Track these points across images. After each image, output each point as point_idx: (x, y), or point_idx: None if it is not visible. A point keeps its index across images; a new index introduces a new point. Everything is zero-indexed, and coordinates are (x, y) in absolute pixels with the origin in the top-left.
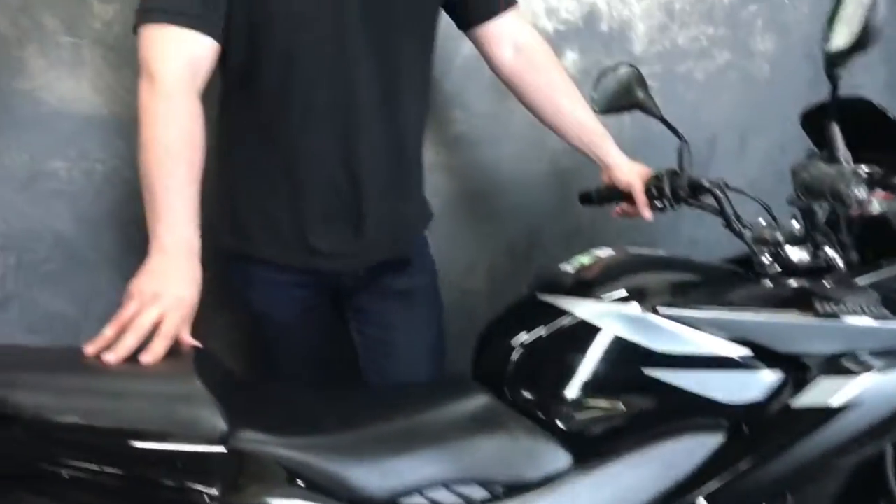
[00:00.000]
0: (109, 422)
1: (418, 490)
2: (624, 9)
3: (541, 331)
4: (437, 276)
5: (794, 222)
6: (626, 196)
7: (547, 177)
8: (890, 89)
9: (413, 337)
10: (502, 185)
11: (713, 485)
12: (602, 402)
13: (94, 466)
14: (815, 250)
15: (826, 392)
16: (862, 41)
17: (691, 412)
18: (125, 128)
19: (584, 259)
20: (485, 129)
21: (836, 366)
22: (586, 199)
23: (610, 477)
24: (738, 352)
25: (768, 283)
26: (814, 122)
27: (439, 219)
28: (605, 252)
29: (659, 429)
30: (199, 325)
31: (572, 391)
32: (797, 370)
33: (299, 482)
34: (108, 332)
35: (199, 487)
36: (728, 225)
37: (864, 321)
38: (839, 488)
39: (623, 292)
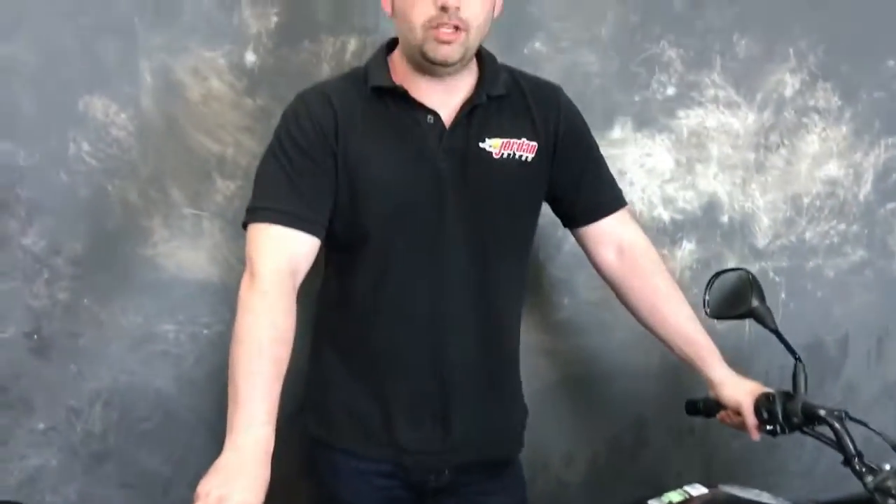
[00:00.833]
0: None
1: None
2: (746, 200)
3: None
4: (527, 496)
5: None
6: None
7: (658, 370)
8: None
9: None
10: (608, 375)
11: None
12: None
13: None
14: None
15: None
16: None
17: None
18: (232, 296)
19: (675, 497)
20: (592, 315)
21: None
22: (693, 409)
23: None
24: None
25: None
26: None
27: (539, 403)
28: (697, 490)
29: None
30: None
31: None
32: None
33: None
34: None
35: None
36: (847, 462)
37: None
38: None
39: None
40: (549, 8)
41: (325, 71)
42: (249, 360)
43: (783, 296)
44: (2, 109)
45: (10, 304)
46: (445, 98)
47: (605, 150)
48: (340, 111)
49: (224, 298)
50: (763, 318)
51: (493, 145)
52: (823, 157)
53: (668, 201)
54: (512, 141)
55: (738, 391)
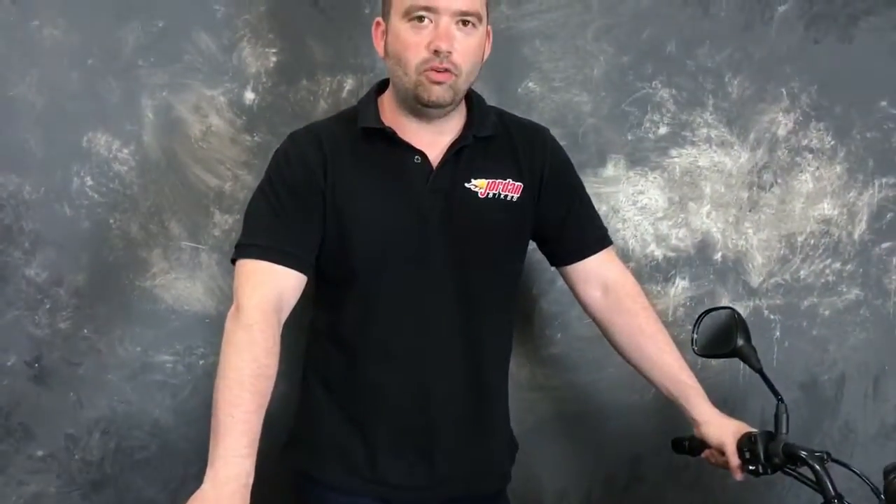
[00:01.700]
0: None
1: None
2: (739, 238)
3: None
4: None
5: None
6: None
7: (652, 405)
8: None
9: None
10: (602, 411)
11: None
12: None
13: None
14: None
15: None
16: None
17: None
18: None
19: None
20: (585, 351)
21: None
22: (679, 447)
23: None
24: None
25: None
26: None
27: (532, 439)
28: None
29: None
30: None
31: None
32: None
33: None
34: None
35: None
36: None
37: None
38: None
39: None
40: (542, 49)
41: (323, 108)
42: (231, 394)
43: (778, 334)
44: (9, 145)
45: (12, 332)
46: (433, 139)
47: (597, 188)
48: (329, 151)
49: (220, 330)
50: (748, 358)
51: (479, 185)
52: (817, 197)
53: (660, 239)
54: (497, 181)
55: (722, 431)
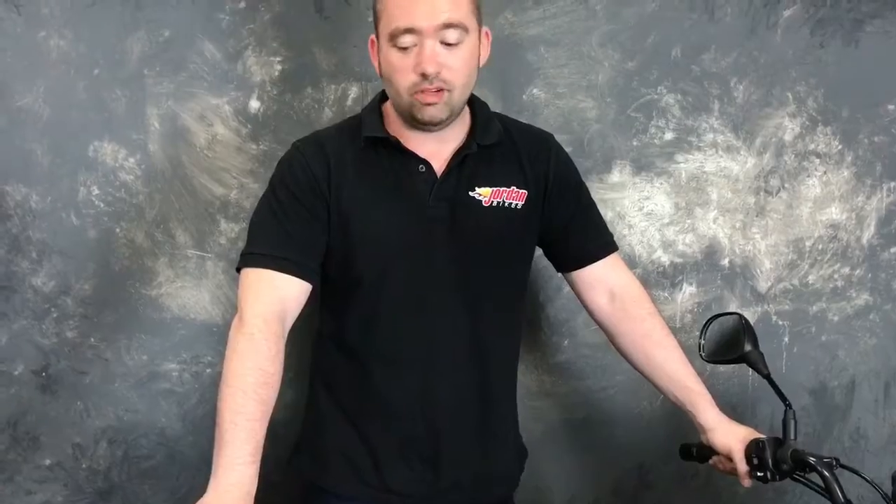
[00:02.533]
0: None
1: None
2: (747, 244)
3: None
4: None
5: None
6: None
7: (660, 412)
8: None
9: None
10: (610, 419)
11: None
12: None
13: None
14: None
15: None
16: None
17: None
18: None
19: None
20: (593, 358)
21: None
22: (687, 454)
23: None
24: None
25: None
26: None
27: (541, 445)
28: None
29: None
30: None
31: None
32: None
33: None
34: None
35: None
36: None
37: None
38: None
39: None
40: (547, 55)
41: (328, 116)
42: (234, 402)
43: (786, 340)
44: (17, 155)
45: (20, 342)
46: (437, 147)
47: (603, 194)
48: (334, 160)
49: (226, 338)
50: (755, 364)
51: (483, 194)
52: (825, 201)
53: (667, 245)
54: (501, 189)
55: (730, 437)
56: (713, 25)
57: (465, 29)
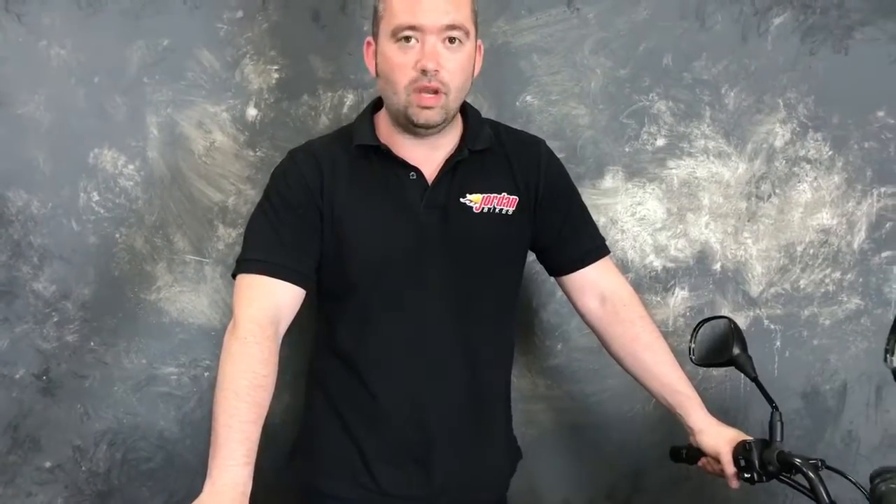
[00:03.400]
0: None
1: None
2: (738, 249)
3: None
4: None
5: None
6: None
7: (653, 418)
8: None
9: None
10: (604, 423)
11: None
12: None
13: None
14: None
15: None
16: None
17: None
18: None
19: None
20: (586, 361)
21: None
22: (677, 456)
23: None
24: None
25: None
26: None
27: (536, 449)
28: None
29: None
30: None
31: None
32: None
33: None
34: None
35: None
36: None
37: None
38: None
39: None
40: (540, 63)
41: (324, 124)
42: (228, 405)
43: (778, 344)
44: (19, 162)
45: (21, 346)
46: (428, 154)
47: (596, 199)
48: (327, 168)
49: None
50: (744, 367)
51: (474, 200)
52: (816, 206)
53: (659, 249)
54: (492, 196)
55: (718, 439)
56: (704, 33)
57: (465, 32)
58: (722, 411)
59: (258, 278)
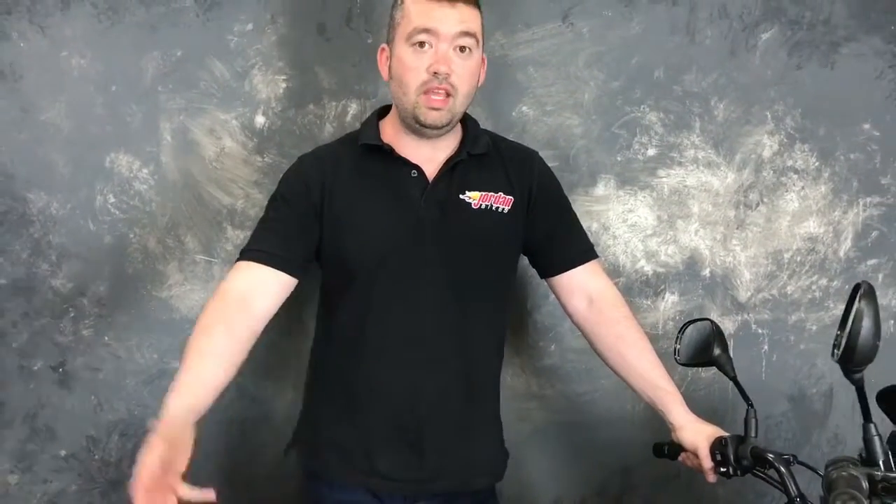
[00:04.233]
0: None
1: None
2: (727, 255)
3: None
4: None
5: None
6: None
7: (643, 416)
8: None
9: None
10: (595, 421)
11: None
12: None
13: None
14: None
15: None
16: (846, 356)
17: None
18: None
19: None
20: (579, 362)
21: None
22: (659, 451)
23: None
24: None
25: None
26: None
27: (528, 446)
28: None
29: None
30: None
31: None
32: None
33: None
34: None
35: None
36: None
37: None
38: None
39: None
40: (536, 75)
41: (328, 131)
42: (190, 342)
43: (766, 348)
44: (40, 165)
45: (39, 339)
46: (430, 154)
47: (589, 206)
48: (330, 168)
49: None
50: (723, 366)
51: (473, 197)
52: (803, 215)
53: (650, 255)
54: (490, 194)
55: (697, 435)
56: (694, 48)
57: (476, 41)
58: (710, 411)
59: (241, 263)
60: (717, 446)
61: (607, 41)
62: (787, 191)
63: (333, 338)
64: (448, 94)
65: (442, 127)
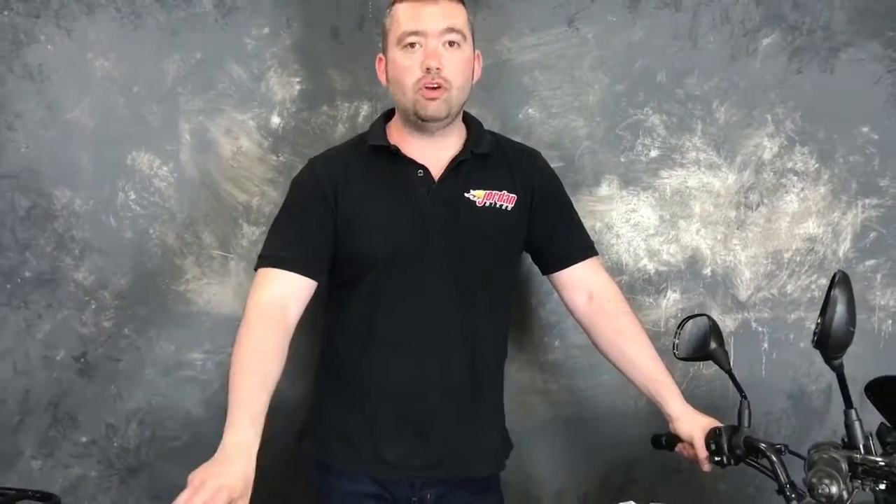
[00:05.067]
0: None
1: None
2: (728, 255)
3: None
4: None
5: None
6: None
7: (646, 413)
8: None
9: None
10: (599, 416)
11: None
12: None
13: None
14: None
15: None
16: (822, 342)
17: None
18: None
19: None
20: (582, 357)
21: None
22: (657, 442)
23: None
24: None
25: None
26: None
27: (533, 439)
28: None
29: None
30: None
31: None
32: None
33: None
34: None
35: None
36: (780, 491)
37: None
38: None
39: None
40: (542, 78)
41: (341, 132)
42: (235, 379)
43: (766, 346)
44: (65, 163)
45: (62, 330)
46: (435, 154)
47: (593, 206)
48: (340, 167)
49: None
50: (719, 360)
51: (477, 195)
52: (802, 216)
53: (652, 254)
54: (494, 192)
55: (693, 426)
56: (696, 52)
57: (463, 36)
58: (711, 408)
59: (268, 271)
60: (712, 436)
61: (612, 46)
62: (786, 192)
63: (343, 331)
64: (441, 87)
65: (442, 119)
